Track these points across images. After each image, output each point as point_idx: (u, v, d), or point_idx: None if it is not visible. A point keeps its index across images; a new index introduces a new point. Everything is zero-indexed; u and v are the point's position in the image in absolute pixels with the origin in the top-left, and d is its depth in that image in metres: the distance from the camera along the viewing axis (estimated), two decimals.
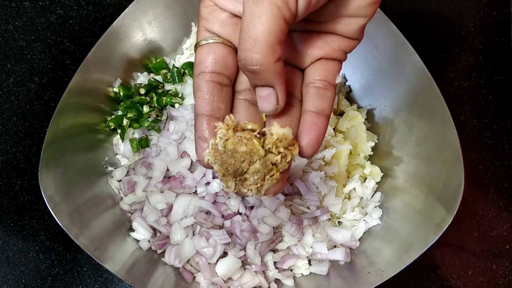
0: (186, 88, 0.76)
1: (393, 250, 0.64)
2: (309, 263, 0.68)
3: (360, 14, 0.36)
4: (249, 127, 0.37)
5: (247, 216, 0.65)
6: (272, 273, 0.66)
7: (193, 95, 0.39)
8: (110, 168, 0.73)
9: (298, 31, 0.39)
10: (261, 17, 0.31)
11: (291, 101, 0.39)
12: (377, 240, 0.68)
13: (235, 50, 0.39)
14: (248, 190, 0.37)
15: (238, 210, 0.65)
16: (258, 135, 0.37)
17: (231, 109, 0.40)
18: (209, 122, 0.38)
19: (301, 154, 0.38)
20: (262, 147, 0.36)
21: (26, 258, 0.72)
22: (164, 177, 0.68)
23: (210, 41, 0.38)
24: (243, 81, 0.40)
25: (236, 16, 0.39)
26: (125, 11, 0.70)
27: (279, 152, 0.36)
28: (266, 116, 0.39)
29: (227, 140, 0.36)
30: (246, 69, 0.33)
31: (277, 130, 0.36)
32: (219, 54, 0.38)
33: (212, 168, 0.38)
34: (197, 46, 0.39)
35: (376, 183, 0.72)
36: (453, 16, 0.86)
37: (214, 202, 0.65)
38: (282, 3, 0.31)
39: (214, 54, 0.38)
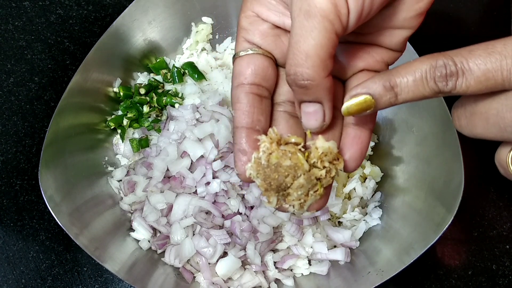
0: (186, 88, 0.76)
1: (393, 250, 0.64)
2: (309, 263, 0.68)
3: (406, 26, 0.36)
4: (293, 140, 0.36)
5: (247, 216, 0.65)
6: (272, 273, 0.66)
7: (233, 105, 0.38)
8: (110, 168, 0.73)
9: (341, 42, 0.38)
10: (313, 32, 0.30)
11: (333, 114, 0.38)
12: (377, 240, 0.68)
13: (275, 61, 0.38)
14: (290, 205, 0.36)
15: (238, 210, 0.65)
16: (302, 149, 0.36)
17: (270, 122, 0.39)
18: (249, 135, 0.37)
19: (345, 168, 0.37)
20: (307, 161, 0.35)
21: (26, 258, 0.72)
22: (164, 177, 0.68)
23: (250, 52, 0.37)
24: (282, 93, 0.39)
25: (278, 27, 0.38)
26: (125, 11, 0.70)
27: (324, 167, 0.35)
28: (310, 132, 0.38)
29: (270, 154, 0.35)
30: (295, 84, 0.32)
31: (322, 143, 0.35)
32: (259, 65, 0.37)
33: (253, 182, 0.37)
34: (236, 56, 0.38)
35: (376, 183, 0.72)
36: (453, 16, 0.86)
37: (214, 202, 0.65)
38: (334, 17, 0.30)
39: (254, 65, 0.37)
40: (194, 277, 0.66)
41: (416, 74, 0.31)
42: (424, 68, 0.31)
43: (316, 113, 0.35)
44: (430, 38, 0.85)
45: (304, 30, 0.31)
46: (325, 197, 0.38)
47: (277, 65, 0.39)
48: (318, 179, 0.36)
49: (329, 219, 0.69)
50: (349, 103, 0.34)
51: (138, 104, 0.74)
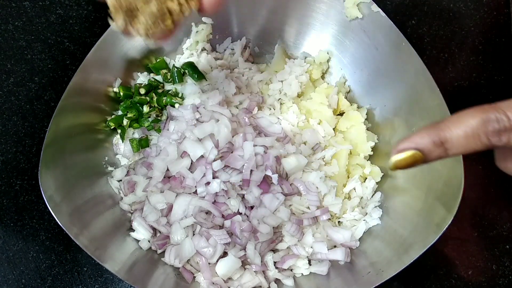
0: (186, 88, 0.76)
1: (393, 250, 0.64)
2: (309, 263, 0.68)
3: None
4: None
5: (247, 216, 0.66)
6: (272, 273, 0.66)
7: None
8: (110, 168, 0.73)
9: None
10: None
11: None
12: (377, 240, 0.68)
13: None
14: (136, 30, 0.36)
15: (238, 210, 0.65)
16: None
17: None
18: None
19: (200, 10, 0.37)
20: None
21: (26, 258, 0.72)
22: (164, 177, 0.68)
23: None
24: None
25: None
26: None
27: (179, 2, 0.36)
28: None
29: None
30: None
31: None
32: None
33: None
34: None
35: (376, 183, 0.72)
36: (453, 16, 0.86)
37: (214, 202, 0.65)
38: None
39: None
40: (194, 277, 0.66)
41: (467, 129, 0.30)
42: (475, 123, 0.30)
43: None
44: (430, 38, 0.85)
45: None
46: (172, 31, 0.38)
47: None
48: (170, 12, 0.36)
49: (329, 219, 0.69)
50: (397, 158, 0.33)
51: (138, 104, 0.74)
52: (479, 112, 0.30)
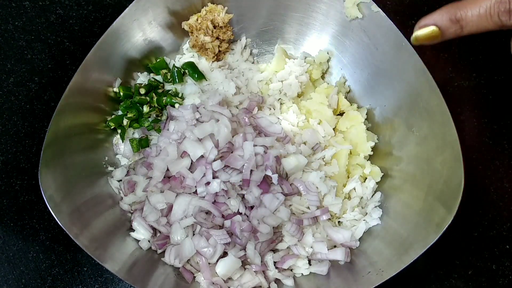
0: (186, 88, 0.76)
1: (393, 250, 0.64)
2: (309, 263, 0.68)
3: None
4: None
5: (247, 216, 0.66)
6: (272, 273, 0.66)
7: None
8: (110, 168, 0.73)
9: None
10: None
11: None
12: (377, 240, 0.68)
13: None
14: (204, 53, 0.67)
15: (238, 210, 0.65)
16: None
17: None
18: None
19: None
20: None
21: (26, 258, 0.72)
22: (164, 177, 0.68)
23: None
24: None
25: None
26: (125, 11, 0.69)
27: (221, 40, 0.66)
28: None
29: None
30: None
31: None
32: None
33: None
34: None
35: (376, 183, 0.72)
36: None
37: (214, 202, 0.65)
38: None
39: None
40: (194, 277, 0.66)
41: (481, 9, 0.33)
42: (489, 3, 0.33)
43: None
44: None
45: None
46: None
47: None
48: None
49: (329, 219, 0.69)
50: (418, 33, 0.38)
51: (138, 104, 0.74)
52: None
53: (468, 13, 0.34)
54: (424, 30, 0.37)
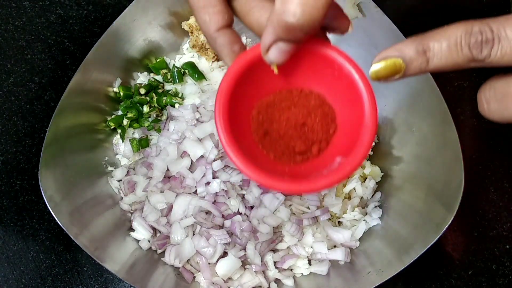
0: (186, 88, 0.76)
1: (393, 250, 0.64)
2: (309, 263, 0.68)
3: None
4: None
5: (247, 216, 0.65)
6: (272, 273, 0.66)
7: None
8: (110, 168, 0.73)
9: None
10: None
11: None
12: (377, 240, 0.68)
13: None
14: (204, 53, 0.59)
15: (238, 210, 0.65)
16: None
17: None
18: None
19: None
20: None
21: (26, 258, 0.72)
22: (164, 177, 0.68)
23: None
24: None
25: None
26: (125, 11, 0.69)
27: None
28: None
29: None
30: (291, 24, 0.32)
31: None
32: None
33: None
34: None
35: (376, 183, 0.72)
36: (453, 16, 0.86)
37: (214, 202, 0.65)
38: None
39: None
40: (194, 277, 0.66)
41: (451, 39, 0.30)
42: (459, 33, 0.29)
43: (291, 52, 0.35)
44: None
45: None
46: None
47: None
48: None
49: (329, 219, 0.69)
50: (378, 66, 0.33)
51: (138, 104, 0.74)
52: (465, 24, 0.30)
53: (436, 44, 0.30)
54: (385, 63, 0.32)
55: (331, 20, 0.39)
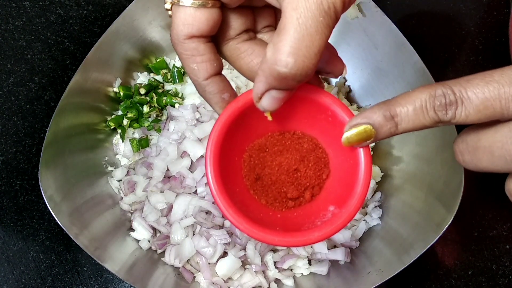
0: (186, 88, 0.76)
1: (393, 250, 0.64)
2: (309, 263, 0.68)
3: None
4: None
5: None
6: (272, 273, 0.66)
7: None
8: (110, 168, 0.73)
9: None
10: (325, 29, 0.31)
11: None
12: (377, 240, 0.68)
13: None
14: None
15: None
16: None
17: None
18: None
19: None
20: None
21: (26, 258, 0.72)
22: (164, 177, 0.68)
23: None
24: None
25: None
26: (125, 11, 0.69)
27: None
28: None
29: None
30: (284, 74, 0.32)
31: None
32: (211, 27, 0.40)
33: None
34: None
35: (376, 183, 0.72)
36: (453, 16, 0.86)
37: (214, 202, 0.65)
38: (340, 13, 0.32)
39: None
40: (194, 277, 0.66)
41: (416, 103, 0.31)
42: (423, 97, 0.31)
43: (284, 99, 0.35)
44: (430, 38, 0.85)
45: (316, 28, 0.30)
46: None
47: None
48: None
49: None
50: (349, 133, 0.34)
51: (138, 104, 0.74)
52: (428, 88, 0.31)
53: (403, 109, 0.31)
54: (356, 129, 0.34)
55: (325, 65, 0.40)
